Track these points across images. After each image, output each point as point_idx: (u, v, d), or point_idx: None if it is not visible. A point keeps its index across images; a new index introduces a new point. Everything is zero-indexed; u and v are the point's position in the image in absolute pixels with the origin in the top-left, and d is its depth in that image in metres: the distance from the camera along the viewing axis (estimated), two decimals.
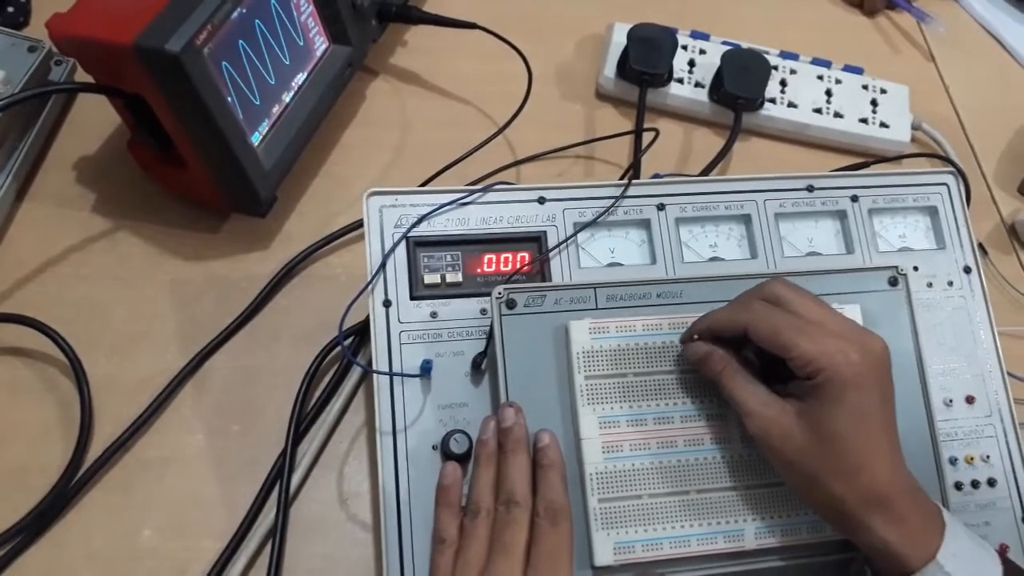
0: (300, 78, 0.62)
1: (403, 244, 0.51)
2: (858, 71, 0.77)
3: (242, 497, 0.53)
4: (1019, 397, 0.56)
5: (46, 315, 0.55)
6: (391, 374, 0.49)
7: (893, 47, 0.85)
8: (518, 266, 0.52)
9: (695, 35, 0.76)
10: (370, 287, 0.50)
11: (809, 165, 0.74)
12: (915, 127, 0.76)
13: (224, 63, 0.54)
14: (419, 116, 0.71)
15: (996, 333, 0.56)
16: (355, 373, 0.57)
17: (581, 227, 0.54)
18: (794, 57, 0.77)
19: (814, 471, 0.43)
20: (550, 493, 0.44)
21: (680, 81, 0.74)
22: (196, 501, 0.53)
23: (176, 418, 0.55)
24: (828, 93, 0.75)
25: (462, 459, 0.48)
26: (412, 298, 0.51)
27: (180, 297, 0.59)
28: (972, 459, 0.54)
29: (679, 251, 0.55)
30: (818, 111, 0.75)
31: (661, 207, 0.55)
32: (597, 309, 0.49)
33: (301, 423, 0.56)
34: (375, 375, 0.49)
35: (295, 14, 0.60)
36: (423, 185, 0.65)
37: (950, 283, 0.57)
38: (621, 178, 0.68)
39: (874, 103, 0.75)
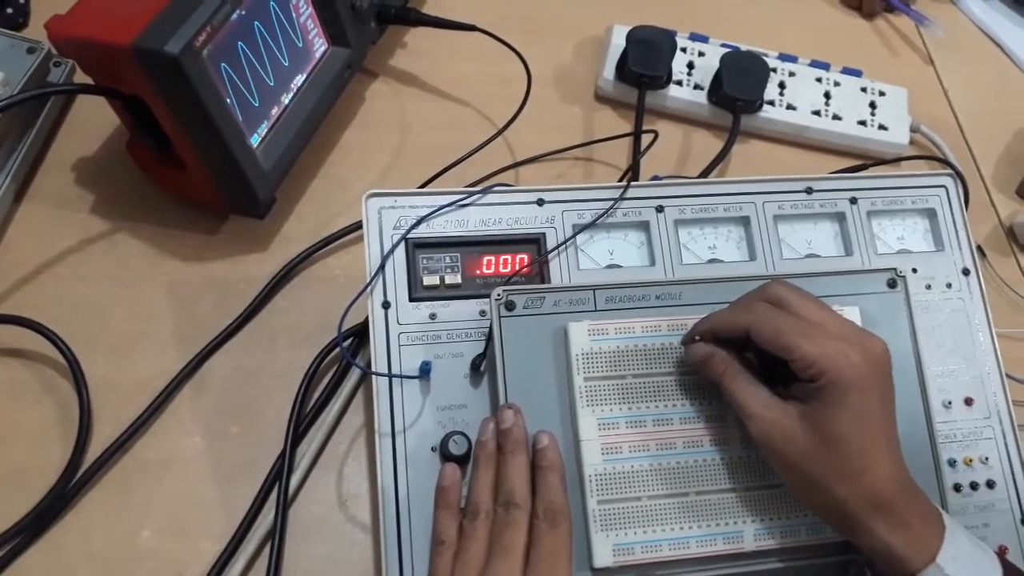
0: (299, 80, 0.62)
1: (402, 246, 0.51)
2: (857, 73, 0.77)
3: (241, 498, 0.53)
4: (1018, 399, 0.56)
5: (45, 316, 0.55)
6: (390, 375, 0.49)
7: (892, 50, 0.85)
8: (517, 268, 0.52)
9: (694, 37, 0.76)
10: (369, 288, 0.50)
11: (808, 167, 0.74)
12: (914, 129, 0.76)
13: (223, 65, 0.54)
14: (418, 118, 0.71)
15: (995, 335, 0.56)
16: (354, 374, 0.57)
17: (580, 229, 0.54)
18: (793, 59, 0.77)
19: (816, 474, 0.43)
20: (549, 494, 0.44)
21: (679, 83, 0.74)
22: (195, 502, 0.53)
23: (175, 419, 0.55)
24: (827, 95, 0.75)
25: (461, 460, 0.48)
26: (411, 299, 0.51)
27: (179, 298, 0.59)
28: (971, 461, 0.54)
29: (678, 253, 0.55)
30: (817, 113, 0.74)
31: (660, 209, 0.55)
32: (596, 311, 0.49)
33: (300, 424, 0.56)
34: (374, 376, 0.49)
35: (294, 16, 0.60)
36: (422, 187, 0.65)
37: (949, 285, 0.57)
38: (620, 180, 0.68)
39: (873, 105, 0.76)
